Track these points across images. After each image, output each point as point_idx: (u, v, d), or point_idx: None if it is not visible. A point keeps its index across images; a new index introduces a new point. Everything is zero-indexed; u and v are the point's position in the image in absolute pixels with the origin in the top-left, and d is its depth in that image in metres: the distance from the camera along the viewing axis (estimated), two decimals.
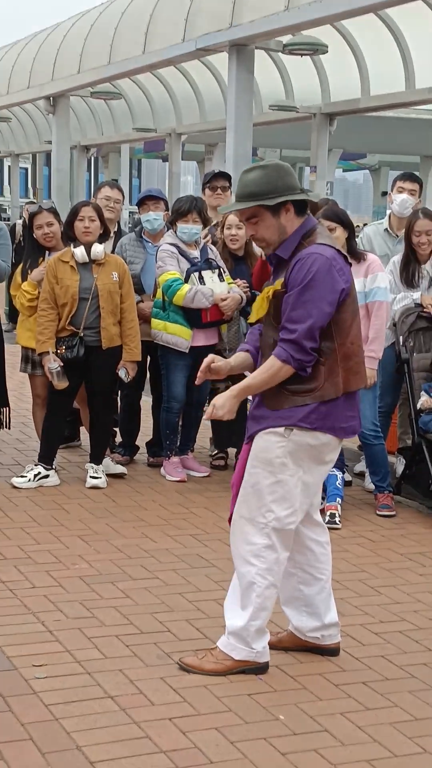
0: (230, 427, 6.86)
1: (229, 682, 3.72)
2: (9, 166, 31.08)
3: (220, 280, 6.41)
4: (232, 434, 6.87)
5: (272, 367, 3.66)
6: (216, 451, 6.98)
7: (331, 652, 4.00)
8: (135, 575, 4.79)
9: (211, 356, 3.96)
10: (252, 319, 3.87)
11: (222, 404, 3.78)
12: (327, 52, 11.87)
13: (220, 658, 3.79)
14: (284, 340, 3.62)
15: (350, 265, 3.79)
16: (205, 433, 7.26)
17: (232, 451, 6.96)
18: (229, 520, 3.93)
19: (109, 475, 6.39)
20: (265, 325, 3.80)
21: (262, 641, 3.80)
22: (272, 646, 3.95)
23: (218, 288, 6.36)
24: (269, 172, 3.68)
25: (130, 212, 23.68)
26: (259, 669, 3.80)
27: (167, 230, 6.65)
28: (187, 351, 6.38)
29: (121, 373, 6.27)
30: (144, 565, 4.94)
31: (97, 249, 6.13)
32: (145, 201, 6.78)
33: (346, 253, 3.85)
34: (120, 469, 6.54)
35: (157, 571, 4.86)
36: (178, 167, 20.86)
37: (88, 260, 6.12)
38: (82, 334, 6.11)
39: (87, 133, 23.11)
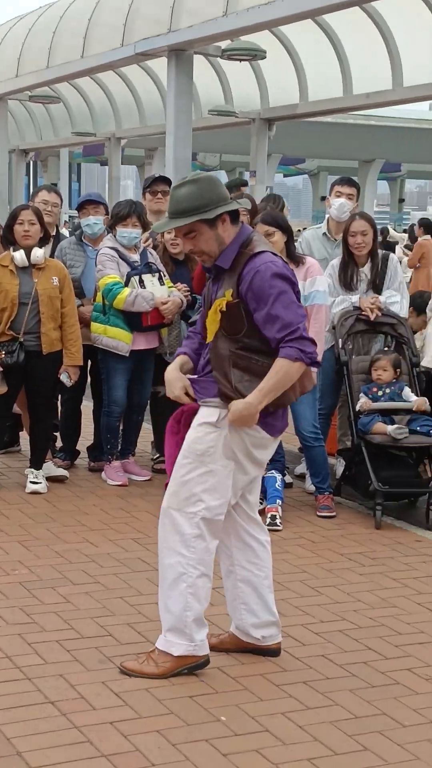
0: None
1: (170, 684, 3.72)
2: None
3: (161, 284, 6.42)
4: None
5: (283, 368, 3.66)
6: (157, 455, 6.97)
7: (272, 653, 4.02)
8: (76, 580, 4.77)
9: (185, 384, 3.90)
10: (209, 338, 3.83)
11: (250, 416, 3.69)
12: (265, 57, 11.94)
13: (161, 660, 3.79)
14: (289, 341, 3.65)
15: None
16: (146, 437, 7.25)
17: None
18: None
19: (49, 479, 6.35)
20: (217, 338, 3.79)
21: (200, 633, 3.79)
22: (214, 647, 3.96)
23: (158, 291, 6.36)
24: (202, 185, 3.70)
25: (69, 216, 23.55)
26: (199, 666, 3.80)
27: (107, 234, 6.64)
28: (127, 354, 6.37)
29: (63, 378, 6.23)
30: (85, 569, 4.92)
31: (37, 253, 6.09)
32: (85, 205, 6.77)
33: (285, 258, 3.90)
34: (61, 471, 6.50)
35: (98, 575, 4.84)
36: (118, 171, 20.82)
37: (28, 264, 6.08)
38: (22, 339, 6.06)
39: (26, 137, 22.97)
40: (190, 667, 3.80)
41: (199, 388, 3.84)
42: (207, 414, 3.78)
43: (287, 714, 3.54)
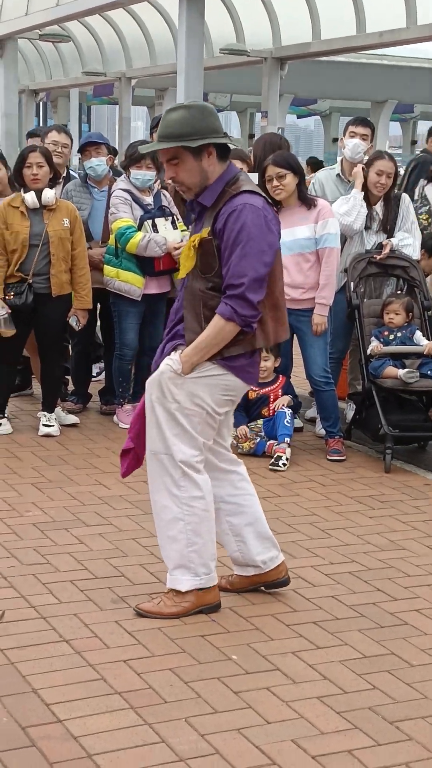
0: None
1: (182, 624, 3.78)
2: None
3: (173, 228, 6.38)
4: None
5: (216, 326, 3.63)
6: None
7: (281, 582, 4.04)
8: (89, 522, 4.82)
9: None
10: (181, 273, 3.79)
11: (185, 369, 3.69)
12: None
13: (177, 599, 3.84)
14: (229, 296, 3.60)
15: (277, 212, 3.76)
16: None
17: None
18: (121, 455, 3.96)
19: (62, 425, 6.38)
20: (190, 276, 3.73)
21: (205, 566, 3.80)
22: (224, 589, 4.02)
23: (171, 236, 6.33)
24: (193, 113, 3.61)
25: (79, 159, 23.36)
26: (214, 608, 3.86)
27: (111, 175, 6.58)
28: (139, 299, 6.36)
29: (72, 321, 6.23)
30: (98, 511, 4.97)
31: (48, 195, 6.05)
32: (87, 147, 6.66)
33: (268, 198, 3.80)
34: (73, 419, 6.52)
35: (110, 517, 4.90)
36: (128, 112, 20.63)
37: (38, 206, 6.05)
38: (31, 281, 6.05)
39: (36, 77, 22.73)
40: (206, 608, 3.85)
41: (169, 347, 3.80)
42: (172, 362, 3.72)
43: (297, 653, 3.60)
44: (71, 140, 7.04)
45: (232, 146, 3.74)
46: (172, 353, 3.75)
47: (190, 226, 6.44)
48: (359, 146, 6.66)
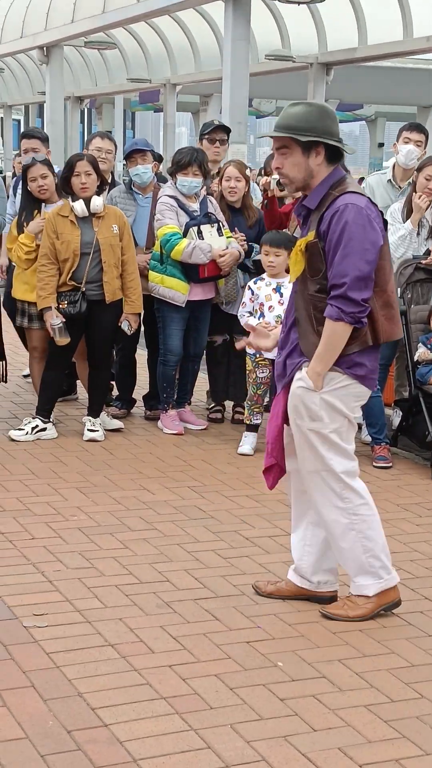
0: (227, 380, 6.89)
1: (227, 630, 3.77)
2: (2, 118, 30.73)
3: (219, 235, 6.37)
4: (229, 387, 6.89)
5: (329, 330, 3.67)
6: (213, 404, 7.00)
7: (328, 600, 4.05)
8: (133, 526, 4.83)
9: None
10: (291, 278, 3.85)
11: (315, 383, 3.73)
12: (324, 0, 11.70)
13: (361, 602, 3.88)
14: (333, 297, 3.65)
15: (382, 213, 3.80)
16: (202, 387, 7.27)
17: (228, 403, 6.97)
18: (264, 471, 3.97)
19: (106, 430, 6.40)
20: (300, 280, 3.79)
21: (385, 568, 3.87)
22: (271, 594, 4.04)
23: (216, 243, 6.32)
24: (312, 110, 3.71)
25: (123, 165, 23.47)
26: (394, 605, 3.91)
27: (156, 181, 6.60)
28: (183, 305, 6.37)
29: (124, 326, 6.26)
30: (142, 516, 4.97)
31: (97, 202, 6.08)
32: (133, 154, 6.67)
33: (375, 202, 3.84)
34: (117, 424, 6.54)
35: (155, 522, 4.90)
36: (173, 118, 20.68)
37: (87, 214, 6.08)
38: (84, 289, 6.09)
39: (81, 84, 22.87)
40: (386, 606, 3.90)
41: (290, 362, 3.83)
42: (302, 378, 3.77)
43: (344, 661, 3.57)
44: (115, 146, 7.07)
45: (347, 153, 3.79)
46: (297, 373, 3.78)
47: (235, 232, 6.49)
48: (413, 152, 6.57)
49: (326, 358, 3.70)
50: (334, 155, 3.75)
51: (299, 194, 6.32)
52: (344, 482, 3.79)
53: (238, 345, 4.71)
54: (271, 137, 3.79)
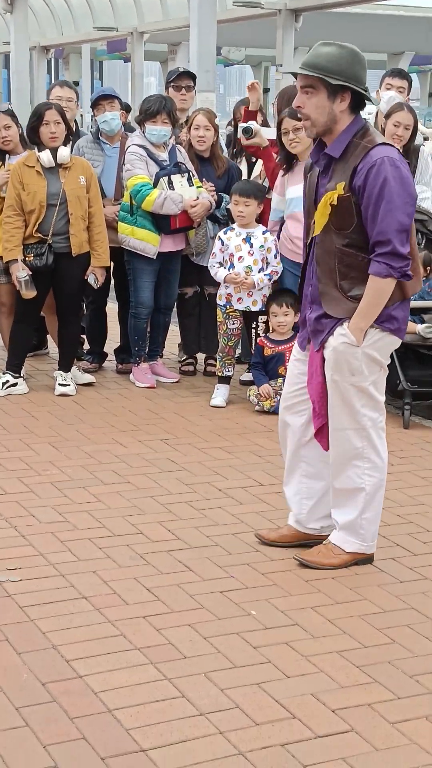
0: (198, 332, 6.86)
1: (201, 580, 3.79)
2: None
3: (189, 185, 6.30)
4: (201, 339, 6.87)
5: (376, 287, 3.66)
6: (185, 357, 6.98)
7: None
8: (106, 480, 4.82)
9: None
10: (316, 231, 3.77)
11: (358, 338, 3.73)
12: None
13: (336, 551, 3.90)
14: (380, 254, 3.62)
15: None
16: (173, 340, 7.25)
17: (201, 356, 6.96)
18: (317, 433, 3.96)
19: (78, 384, 6.37)
20: (324, 232, 3.73)
21: (373, 535, 3.92)
22: (274, 542, 4.08)
23: (187, 193, 6.25)
24: (344, 54, 3.62)
25: (91, 116, 23.22)
26: (368, 560, 3.94)
27: (124, 131, 6.51)
28: (155, 257, 6.31)
29: (91, 280, 6.20)
30: (115, 470, 4.97)
31: (64, 152, 5.98)
32: (100, 101, 6.56)
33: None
34: (89, 378, 6.51)
35: (128, 475, 4.90)
36: (141, 68, 20.42)
37: (54, 164, 5.98)
38: (50, 241, 6.01)
39: (46, 33, 22.49)
40: (360, 560, 3.92)
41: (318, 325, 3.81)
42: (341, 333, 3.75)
43: (316, 608, 3.60)
44: (76, 94, 6.94)
45: (372, 103, 3.74)
46: (338, 329, 3.75)
47: (204, 182, 6.42)
48: (395, 99, 6.47)
49: (371, 313, 3.70)
50: (358, 103, 3.68)
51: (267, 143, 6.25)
52: (369, 440, 3.82)
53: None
54: (297, 74, 3.68)
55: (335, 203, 3.64)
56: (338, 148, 3.67)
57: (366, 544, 3.93)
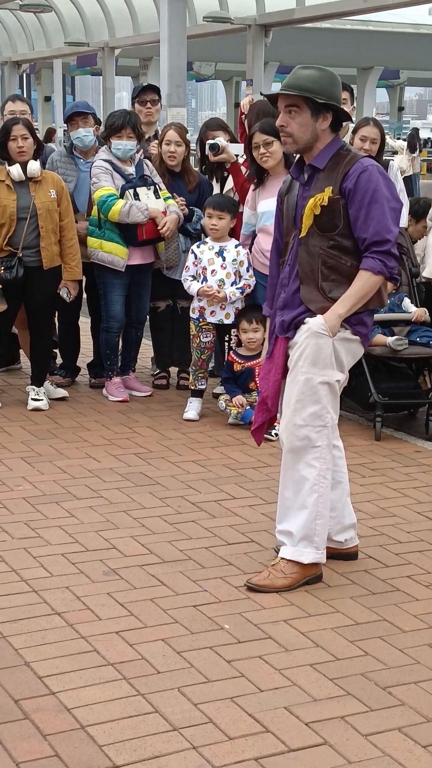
0: (171, 346, 6.87)
1: (174, 594, 3.78)
2: None
3: (156, 197, 6.32)
4: (173, 353, 6.87)
5: (366, 281, 3.75)
6: (158, 371, 6.98)
7: (352, 556, 4.12)
8: (79, 495, 4.81)
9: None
10: (302, 233, 3.83)
11: (333, 326, 3.76)
12: None
13: (288, 571, 3.86)
14: (376, 252, 3.72)
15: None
16: (146, 353, 7.24)
17: (173, 370, 6.96)
18: (255, 430, 4.03)
19: (51, 399, 6.35)
20: (309, 234, 3.80)
21: (324, 542, 3.90)
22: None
23: (154, 204, 6.27)
24: (325, 76, 3.77)
25: (64, 130, 23.21)
26: (317, 578, 3.91)
27: (98, 145, 6.52)
28: (123, 269, 6.32)
29: (63, 293, 6.19)
30: (88, 484, 4.96)
31: (33, 166, 5.99)
32: (73, 117, 6.58)
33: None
34: (61, 393, 6.50)
35: (101, 490, 4.89)
36: (112, 83, 20.45)
37: (24, 178, 5.99)
38: (20, 255, 6.01)
39: (17, 49, 22.49)
40: (310, 579, 3.89)
41: (289, 316, 3.86)
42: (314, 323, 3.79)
43: (289, 621, 3.61)
44: (30, 107, 6.96)
45: (351, 122, 3.88)
46: (307, 320, 3.79)
47: (174, 197, 6.43)
48: None
49: (351, 303, 3.76)
50: (336, 123, 3.82)
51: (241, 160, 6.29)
52: (328, 440, 3.82)
53: None
54: (282, 95, 3.77)
55: (326, 204, 3.75)
56: (323, 161, 3.80)
57: (320, 552, 3.89)
